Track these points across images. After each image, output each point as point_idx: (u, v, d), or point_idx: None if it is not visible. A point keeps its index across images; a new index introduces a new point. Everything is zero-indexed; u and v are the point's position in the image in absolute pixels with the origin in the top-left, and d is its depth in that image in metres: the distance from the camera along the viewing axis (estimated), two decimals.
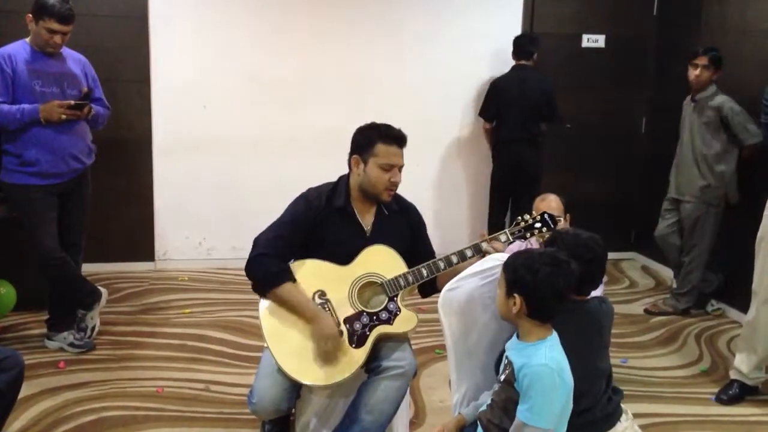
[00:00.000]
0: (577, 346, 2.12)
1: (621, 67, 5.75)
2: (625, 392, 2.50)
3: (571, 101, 5.65)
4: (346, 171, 2.77)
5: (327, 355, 2.50)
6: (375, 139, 2.62)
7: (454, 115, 5.60)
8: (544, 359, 1.99)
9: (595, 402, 2.29)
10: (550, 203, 3.29)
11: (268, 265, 2.57)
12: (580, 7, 5.66)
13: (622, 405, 2.42)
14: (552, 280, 2.02)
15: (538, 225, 2.68)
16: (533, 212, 2.73)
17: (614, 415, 2.35)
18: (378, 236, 2.68)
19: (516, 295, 2.04)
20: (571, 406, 2.05)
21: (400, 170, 2.65)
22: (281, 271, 2.58)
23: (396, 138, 2.64)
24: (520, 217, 2.71)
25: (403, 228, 2.76)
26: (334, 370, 2.48)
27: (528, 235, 2.68)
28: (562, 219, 3.22)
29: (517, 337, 2.13)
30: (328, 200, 2.68)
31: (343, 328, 2.54)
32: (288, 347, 2.52)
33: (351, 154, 2.69)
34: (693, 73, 4.41)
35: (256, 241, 2.64)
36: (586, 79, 5.71)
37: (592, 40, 5.66)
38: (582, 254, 2.21)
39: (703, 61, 4.36)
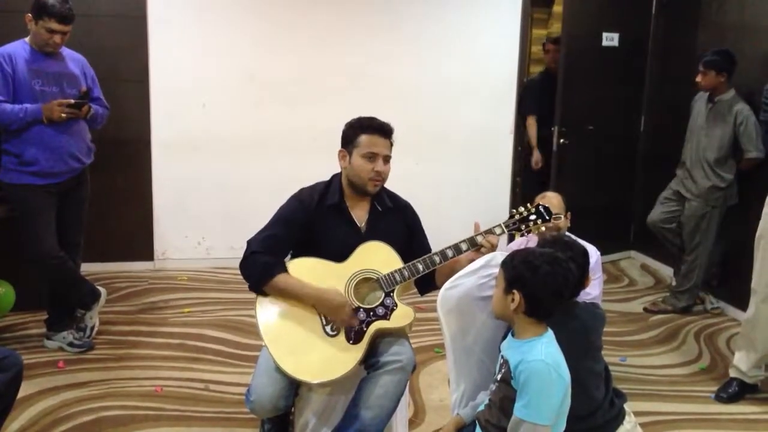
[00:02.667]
0: (564, 347, 2.12)
1: (626, 66, 5.73)
2: (624, 391, 2.50)
3: (588, 101, 5.59)
4: None
5: (325, 352, 2.50)
6: (358, 131, 2.65)
7: (454, 114, 5.59)
8: (540, 355, 2.00)
9: (596, 407, 2.28)
10: (550, 200, 3.28)
11: (262, 261, 2.57)
12: (601, 4, 5.57)
13: (625, 407, 2.42)
14: (551, 279, 2.03)
15: (532, 217, 2.68)
16: (528, 205, 2.73)
17: (616, 420, 2.34)
18: (373, 233, 2.68)
19: (515, 291, 2.04)
20: (569, 402, 2.05)
21: (386, 161, 2.66)
22: (276, 263, 2.59)
23: (378, 128, 2.65)
24: (515, 210, 2.72)
25: (398, 225, 2.76)
26: (331, 367, 2.48)
27: (523, 227, 2.67)
28: (562, 216, 3.22)
29: (512, 335, 2.13)
30: (321, 198, 2.69)
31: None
32: (285, 345, 2.51)
33: (339, 149, 2.71)
34: (698, 77, 4.44)
35: (250, 242, 2.64)
36: (601, 79, 5.61)
37: (609, 39, 5.60)
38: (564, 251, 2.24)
39: (700, 68, 4.40)
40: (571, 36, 5.36)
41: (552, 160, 5.45)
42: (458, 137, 5.64)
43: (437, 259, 2.61)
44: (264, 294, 2.61)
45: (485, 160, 5.72)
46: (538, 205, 2.72)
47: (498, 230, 2.63)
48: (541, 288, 2.02)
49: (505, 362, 2.08)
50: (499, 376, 2.12)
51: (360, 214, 2.72)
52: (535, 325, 2.08)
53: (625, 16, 5.61)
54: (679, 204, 4.70)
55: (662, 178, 4.93)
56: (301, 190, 2.74)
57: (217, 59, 5.20)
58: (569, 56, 5.37)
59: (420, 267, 2.61)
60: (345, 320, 2.53)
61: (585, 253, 2.41)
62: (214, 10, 5.16)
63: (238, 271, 2.65)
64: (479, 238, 2.60)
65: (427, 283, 2.76)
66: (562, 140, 5.39)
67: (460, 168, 5.69)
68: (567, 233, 3.28)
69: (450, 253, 2.61)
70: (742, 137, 4.37)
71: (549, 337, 2.07)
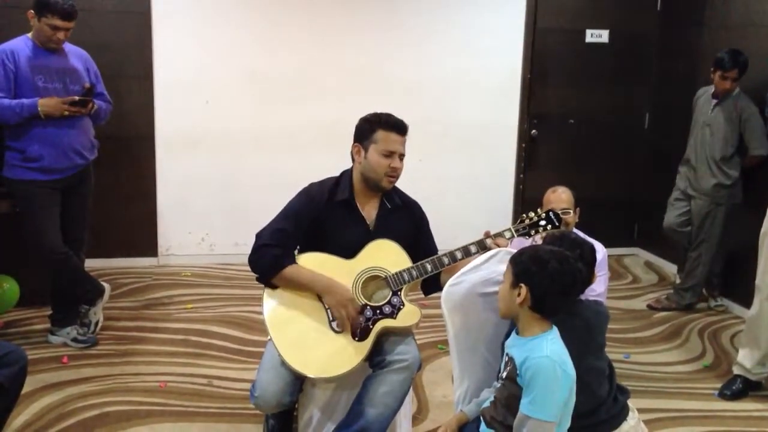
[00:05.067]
0: (567, 345, 2.12)
1: (624, 63, 5.75)
2: (627, 388, 2.49)
3: (574, 97, 5.68)
4: (347, 166, 2.77)
5: (330, 348, 2.50)
6: (375, 127, 2.65)
7: (456, 110, 5.59)
8: (546, 352, 2.00)
9: (599, 403, 2.28)
10: (560, 195, 3.27)
11: (272, 252, 2.57)
12: (583, 2, 5.64)
13: (628, 403, 2.41)
14: (559, 276, 2.02)
15: (543, 222, 2.67)
16: (539, 210, 2.73)
17: (620, 416, 2.34)
18: (381, 230, 2.68)
19: (522, 285, 2.04)
20: (574, 399, 2.05)
21: (401, 159, 2.66)
22: (285, 255, 2.59)
23: (396, 125, 2.65)
24: (524, 215, 2.71)
25: (406, 223, 2.76)
26: (337, 363, 2.48)
27: (533, 232, 2.67)
28: (571, 211, 3.22)
29: (516, 333, 2.13)
30: (331, 194, 2.68)
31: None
32: (291, 339, 2.52)
33: (353, 143, 2.70)
34: (723, 84, 4.34)
35: (259, 235, 2.64)
36: (590, 75, 5.70)
37: (596, 35, 5.64)
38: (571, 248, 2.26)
39: (733, 74, 4.29)
40: (540, 30, 5.55)
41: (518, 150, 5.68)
42: (461, 133, 5.63)
43: (446, 260, 2.61)
44: (272, 287, 2.62)
45: (489, 157, 5.71)
46: (549, 210, 2.71)
47: (507, 234, 2.63)
48: (549, 284, 2.02)
49: (510, 360, 2.08)
50: (504, 374, 2.12)
51: (369, 210, 2.72)
52: (540, 321, 2.07)
53: (615, 14, 5.67)
54: (688, 203, 4.68)
55: (667, 175, 4.92)
56: (311, 185, 2.74)
57: (221, 56, 5.19)
58: (538, 49, 5.57)
59: (428, 267, 2.61)
60: (348, 316, 2.52)
61: (592, 250, 2.41)
62: (217, 7, 5.16)
63: (242, 267, 2.66)
64: (488, 241, 2.60)
65: (432, 285, 2.75)
66: (533, 131, 5.63)
67: (464, 164, 5.68)
68: (575, 229, 3.28)
69: (459, 254, 2.61)
70: (747, 134, 4.35)
71: (554, 334, 2.07)
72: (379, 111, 2.71)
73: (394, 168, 2.63)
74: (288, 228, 2.62)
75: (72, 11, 3.52)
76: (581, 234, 3.26)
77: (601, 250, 3.29)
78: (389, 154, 2.62)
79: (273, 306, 2.59)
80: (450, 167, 5.65)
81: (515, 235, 2.65)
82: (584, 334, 2.29)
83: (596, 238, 3.34)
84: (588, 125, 5.77)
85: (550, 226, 2.67)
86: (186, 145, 5.22)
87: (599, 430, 2.29)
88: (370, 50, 5.39)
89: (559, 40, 5.63)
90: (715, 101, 4.47)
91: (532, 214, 2.70)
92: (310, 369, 2.48)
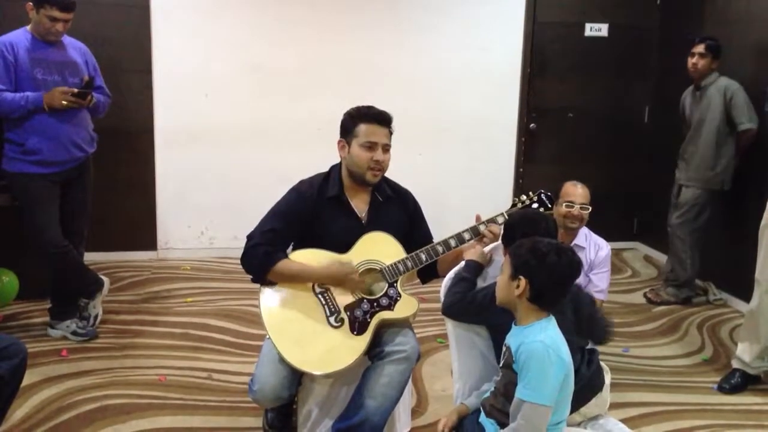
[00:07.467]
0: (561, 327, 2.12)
1: (624, 57, 5.75)
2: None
3: (573, 90, 5.68)
4: None
5: (329, 344, 2.50)
6: (357, 121, 2.64)
7: (456, 104, 5.58)
8: (539, 337, 2.01)
9: (575, 368, 2.29)
10: (578, 190, 3.25)
11: (263, 250, 2.57)
12: None
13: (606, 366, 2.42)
14: (557, 268, 2.03)
15: (535, 205, 2.68)
16: (530, 192, 2.73)
17: (599, 376, 2.34)
18: (374, 223, 2.68)
19: (521, 277, 2.04)
20: (572, 386, 2.05)
21: (385, 150, 2.64)
22: (276, 251, 2.58)
23: (376, 117, 2.63)
24: (516, 198, 2.72)
25: (399, 214, 2.76)
26: (336, 359, 2.48)
27: None
28: (590, 208, 3.22)
29: (515, 323, 2.14)
30: (321, 190, 2.67)
31: (344, 316, 2.54)
32: (289, 337, 2.51)
33: (338, 139, 2.70)
34: (690, 61, 4.47)
35: (250, 236, 2.63)
36: (589, 69, 5.71)
37: (595, 29, 5.64)
38: (535, 226, 2.29)
39: (699, 49, 4.42)
40: (540, 24, 5.58)
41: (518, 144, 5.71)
42: (461, 127, 5.63)
43: (440, 248, 2.61)
44: (267, 284, 2.61)
45: (488, 150, 5.71)
46: (540, 192, 2.71)
47: (500, 219, 2.63)
48: (547, 276, 2.03)
49: (508, 348, 2.09)
50: (502, 362, 2.13)
51: (360, 204, 2.71)
52: (537, 311, 2.08)
53: (614, 7, 5.67)
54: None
55: (667, 169, 4.92)
56: (301, 182, 2.73)
57: (220, 50, 5.19)
58: (537, 43, 5.59)
59: (423, 257, 2.60)
60: (357, 286, 2.55)
61: (554, 221, 2.42)
62: (217, 1, 5.14)
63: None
64: (482, 227, 2.60)
65: (429, 272, 2.76)
66: (532, 125, 5.66)
67: (463, 158, 5.68)
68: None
69: (453, 242, 2.61)
70: (734, 110, 4.37)
71: (550, 321, 2.08)
72: (363, 104, 2.69)
73: (377, 161, 2.61)
74: (278, 227, 2.61)
75: (70, 2, 3.51)
76: (587, 230, 3.29)
77: (605, 247, 3.30)
78: (371, 146, 2.60)
79: (269, 304, 2.59)
80: (450, 161, 5.64)
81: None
82: (572, 316, 2.30)
83: (595, 232, 3.35)
84: (587, 119, 5.78)
85: (542, 208, 2.67)
86: (185, 138, 5.21)
87: (584, 394, 2.28)
88: (370, 44, 5.38)
89: (558, 33, 5.64)
90: (698, 92, 4.53)
91: (524, 197, 2.71)
92: (310, 366, 2.48)
